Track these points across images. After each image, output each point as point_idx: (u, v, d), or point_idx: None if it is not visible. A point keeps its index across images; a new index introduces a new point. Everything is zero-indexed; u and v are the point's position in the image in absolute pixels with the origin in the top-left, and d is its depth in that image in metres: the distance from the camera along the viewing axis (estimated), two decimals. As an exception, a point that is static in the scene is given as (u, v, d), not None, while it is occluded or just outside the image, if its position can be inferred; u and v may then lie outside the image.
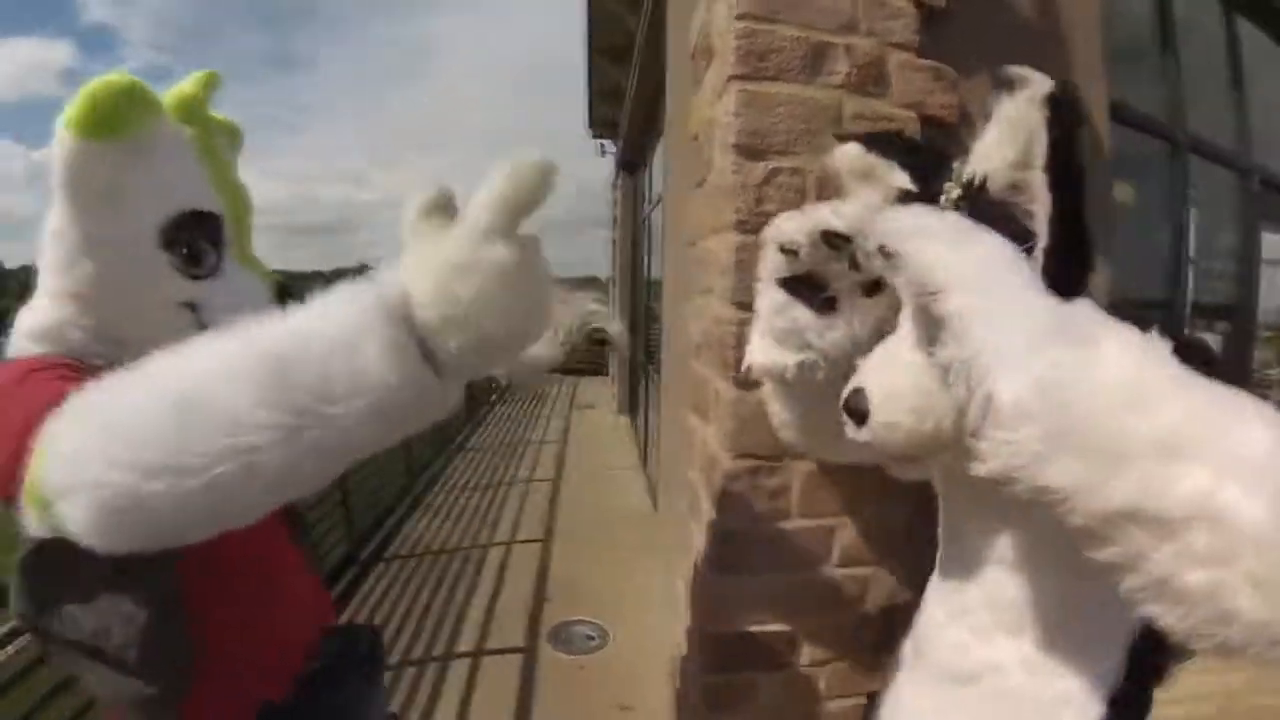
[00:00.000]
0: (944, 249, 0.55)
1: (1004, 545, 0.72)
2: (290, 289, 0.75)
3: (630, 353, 6.01)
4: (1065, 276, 0.60)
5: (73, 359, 0.61)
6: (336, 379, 0.44)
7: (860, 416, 0.71)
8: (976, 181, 0.66)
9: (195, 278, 0.67)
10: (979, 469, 0.50)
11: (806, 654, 1.21)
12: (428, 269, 0.46)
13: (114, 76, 0.59)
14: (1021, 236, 0.61)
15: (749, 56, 1.05)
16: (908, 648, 0.86)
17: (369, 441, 0.48)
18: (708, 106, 1.26)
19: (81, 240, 0.62)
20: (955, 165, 0.70)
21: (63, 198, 0.61)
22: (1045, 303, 0.52)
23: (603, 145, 7.03)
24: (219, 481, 0.42)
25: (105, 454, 0.43)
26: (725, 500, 1.14)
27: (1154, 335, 0.54)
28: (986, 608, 0.73)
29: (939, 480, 0.85)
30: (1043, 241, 0.61)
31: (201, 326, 0.65)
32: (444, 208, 0.52)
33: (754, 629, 1.19)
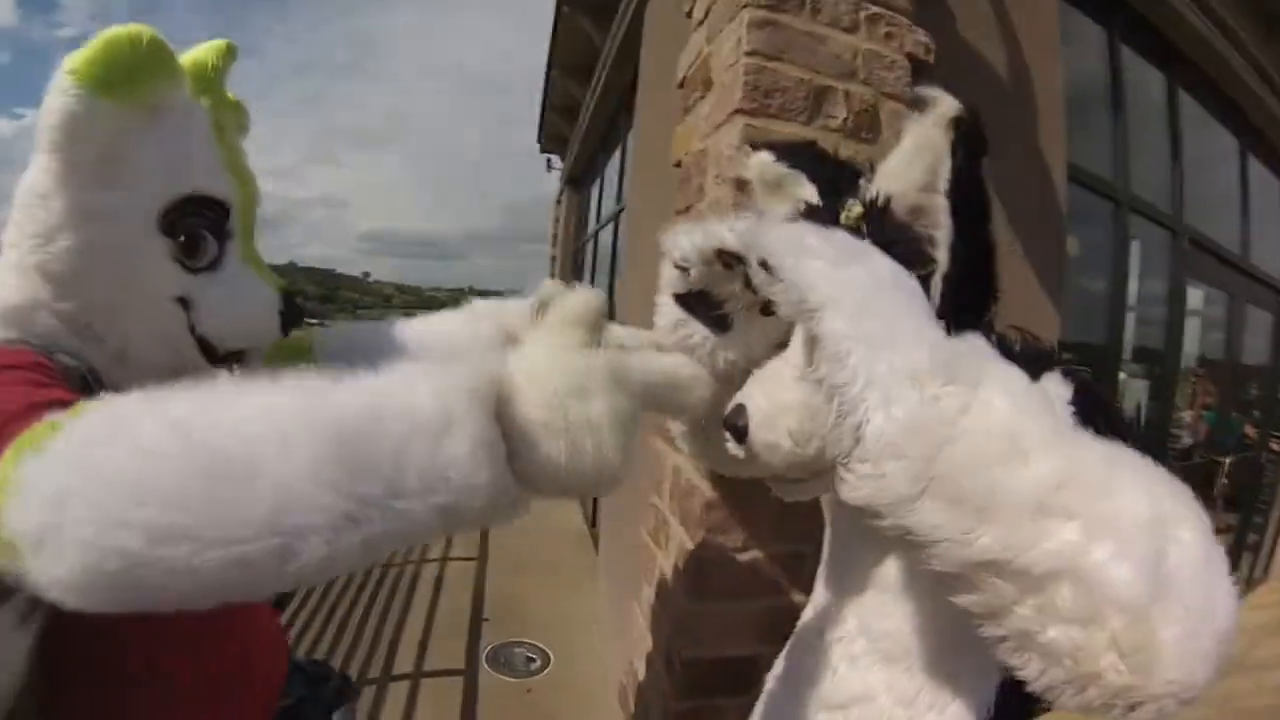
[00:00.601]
0: (825, 267, 0.52)
1: (885, 573, 0.70)
2: (295, 296, 0.69)
3: None
4: (964, 305, 0.60)
5: (40, 351, 0.53)
6: (412, 469, 0.39)
7: (740, 434, 0.67)
8: (880, 201, 0.64)
9: (192, 270, 0.60)
10: (843, 494, 0.48)
11: (773, 682, 1.26)
12: (549, 374, 0.44)
13: (135, 27, 0.52)
14: (921, 261, 0.60)
15: (755, 93, 1.11)
16: (780, 667, 0.84)
17: (419, 539, 0.42)
18: (701, 137, 1.31)
19: (69, 209, 0.54)
20: (861, 183, 0.68)
21: (54, 157, 0.53)
22: (930, 334, 0.50)
23: (550, 160, 7.02)
24: (247, 558, 0.36)
25: (108, 507, 0.36)
26: (701, 527, 1.18)
27: (1055, 377, 0.59)
28: (863, 635, 0.71)
29: (825, 503, 0.84)
30: (943, 268, 0.60)
31: (192, 328, 0.60)
32: (588, 323, 0.49)
33: (725, 654, 1.23)
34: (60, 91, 0.50)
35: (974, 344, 0.51)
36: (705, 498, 1.15)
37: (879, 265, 0.55)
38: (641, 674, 1.55)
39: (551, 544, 3.57)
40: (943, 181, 0.59)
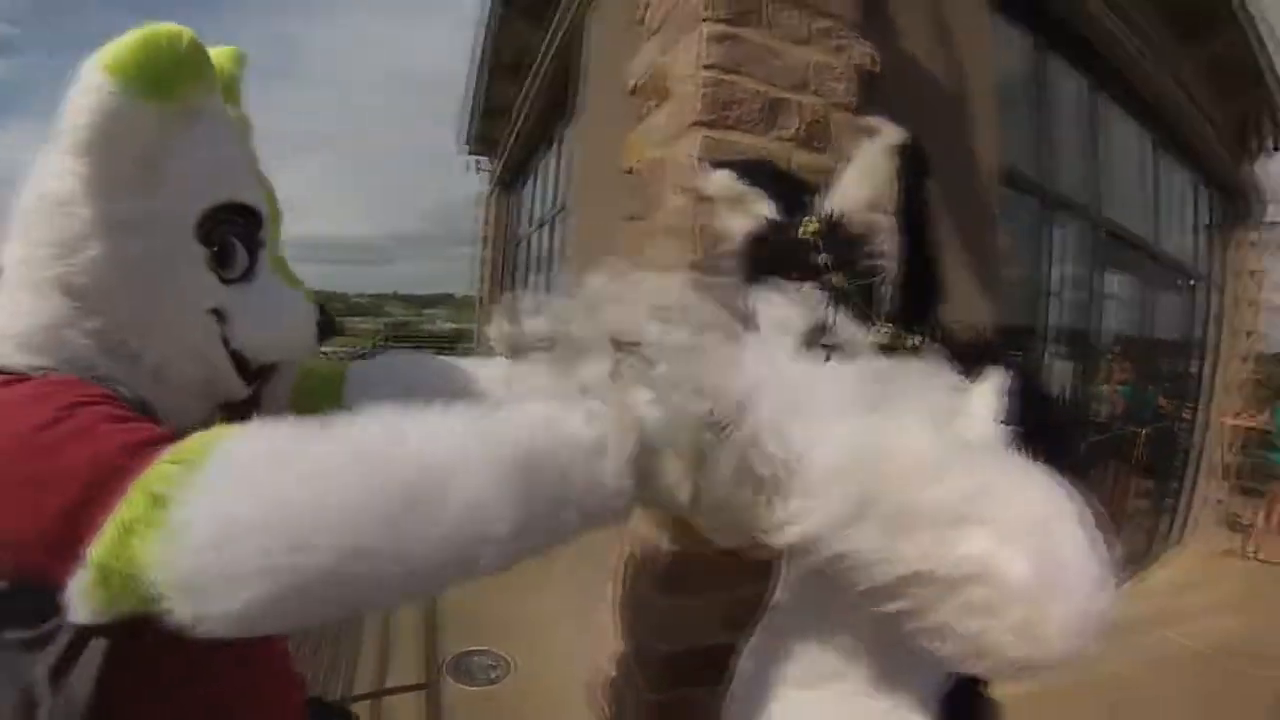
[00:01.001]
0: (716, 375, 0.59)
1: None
2: (327, 305, 0.68)
3: None
4: (914, 307, 0.70)
5: (78, 375, 0.50)
6: (573, 485, 0.47)
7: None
8: (834, 217, 0.71)
9: (226, 281, 0.58)
10: (778, 538, 0.56)
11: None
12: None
13: (174, 26, 0.50)
14: (871, 270, 0.68)
15: (713, 105, 1.17)
16: (750, 647, 0.92)
17: (563, 543, 0.51)
18: (656, 146, 1.36)
19: (99, 218, 0.51)
20: (815, 199, 0.74)
21: (84, 161, 0.50)
22: (849, 371, 0.60)
23: (477, 162, 6.93)
24: (430, 571, 0.42)
25: (289, 534, 0.38)
26: (672, 524, 1.24)
27: (1001, 375, 0.67)
28: (831, 618, 0.77)
29: None
30: (893, 277, 0.68)
31: (225, 341, 0.58)
32: None
33: (696, 646, 1.30)
34: (94, 90, 0.47)
35: (898, 371, 0.61)
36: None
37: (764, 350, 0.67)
38: (612, 672, 1.61)
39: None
40: (889, 201, 0.67)
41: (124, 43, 0.48)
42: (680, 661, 1.31)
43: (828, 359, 0.69)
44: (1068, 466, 0.82)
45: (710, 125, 1.17)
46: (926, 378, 0.65)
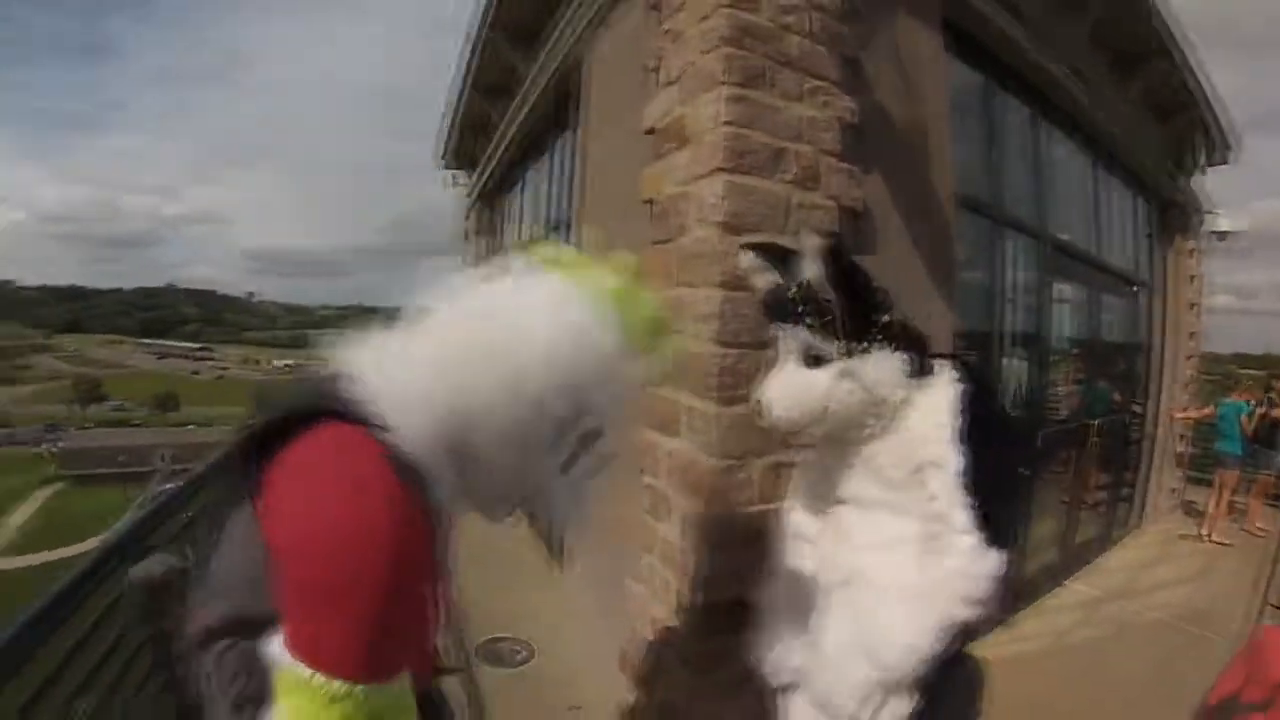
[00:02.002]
0: None
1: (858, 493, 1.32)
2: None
3: None
4: (857, 327, 1.22)
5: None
6: None
7: (761, 410, 1.30)
8: (806, 284, 1.24)
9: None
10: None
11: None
12: None
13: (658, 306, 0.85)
14: (827, 310, 1.22)
15: (732, 154, 1.55)
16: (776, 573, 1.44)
17: None
18: (678, 183, 1.72)
19: (532, 402, 0.75)
20: (799, 270, 1.26)
21: (546, 369, 0.74)
22: None
23: (455, 176, 7.28)
24: None
25: None
26: (703, 494, 1.59)
27: (949, 374, 1.21)
28: (847, 537, 1.31)
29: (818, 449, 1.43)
30: (840, 316, 1.22)
31: (528, 506, 0.86)
32: None
33: (733, 597, 1.63)
34: (590, 337, 0.77)
35: None
36: (705, 466, 1.57)
37: None
38: (649, 635, 1.93)
39: (508, 541, 3.85)
40: (825, 274, 1.22)
41: (646, 310, 0.84)
42: (717, 612, 1.63)
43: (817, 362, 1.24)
44: (1013, 450, 1.44)
45: (730, 171, 1.54)
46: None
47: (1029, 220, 3.18)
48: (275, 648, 0.66)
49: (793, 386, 1.26)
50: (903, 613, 1.20)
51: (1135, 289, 4.73)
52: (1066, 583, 3.76)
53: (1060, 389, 3.99)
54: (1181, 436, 5.22)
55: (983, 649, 2.93)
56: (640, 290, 0.85)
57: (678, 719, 1.73)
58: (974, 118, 2.82)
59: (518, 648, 2.79)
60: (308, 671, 0.64)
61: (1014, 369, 3.17)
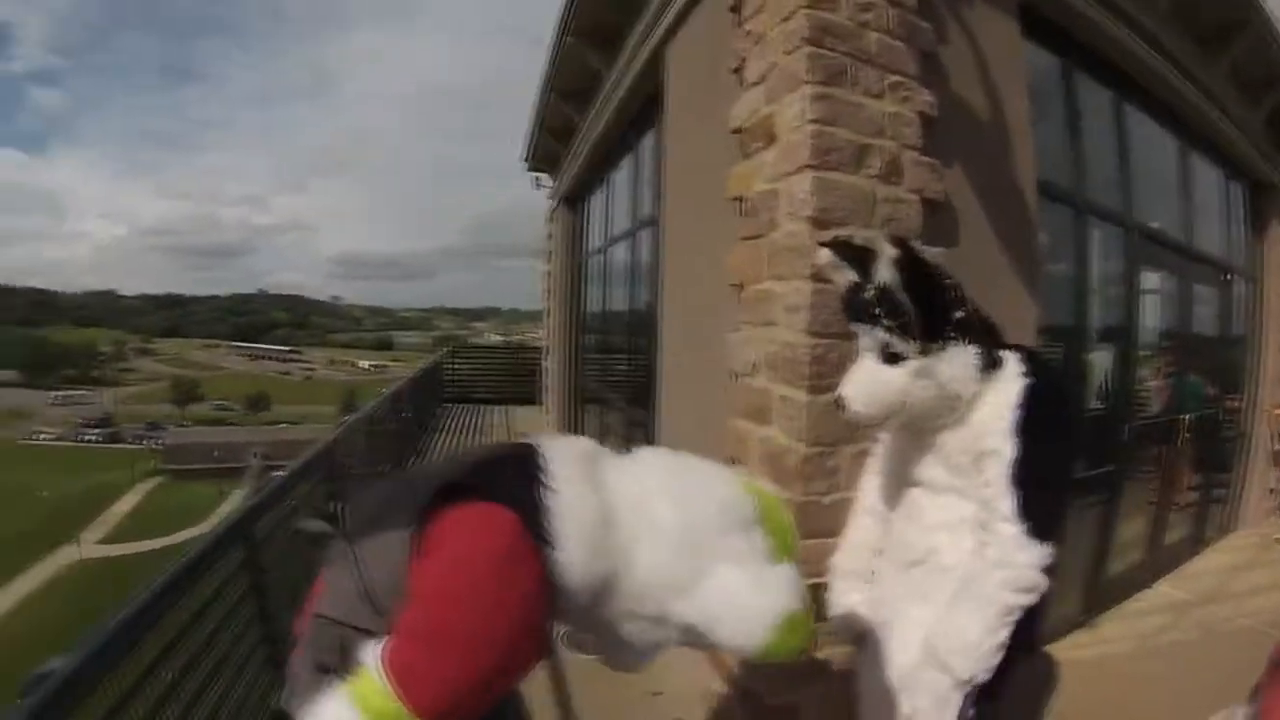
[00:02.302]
0: None
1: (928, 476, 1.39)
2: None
3: (568, 384, 6.57)
4: (932, 327, 1.26)
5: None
6: None
7: (841, 403, 1.36)
8: (882, 285, 1.27)
9: None
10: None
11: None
12: None
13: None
14: (903, 313, 1.25)
15: (818, 152, 1.60)
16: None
17: None
18: (766, 180, 1.78)
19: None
20: (873, 269, 1.29)
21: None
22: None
23: (538, 179, 7.54)
24: None
25: None
26: (798, 478, 1.64)
27: (1021, 367, 1.25)
28: (917, 519, 1.39)
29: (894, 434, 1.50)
30: (914, 313, 1.26)
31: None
32: None
33: (813, 583, 1.68)
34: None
35: None
36: (800, 454, 1.62)
37: None
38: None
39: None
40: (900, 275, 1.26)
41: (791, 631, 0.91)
42: (811, 596, 1.68)
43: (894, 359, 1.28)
44: (1069, 447, 1.52)
45: (816, 168, 1.59)
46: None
47: (1114, 207, 3.06)
48: (372, 652, 0.79)
49: (871, 383, 1.32)
50: (964, 613, 1.26)
51: (1229, 277, 4.45)
52: (1154, 585, 3.58)
53: (1150, 383, 3.81)
54: (1276, 434, 4.87)
55: (1064, 651, 2.86)
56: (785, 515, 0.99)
57: (756, 704, 1.79)
58: (1055, 103, 2.75)
59: (600, 633, 2.88)
60: (386, 685, 0.76)
61: (1100, 363, 3.06)
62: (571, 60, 4.36)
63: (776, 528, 0.96)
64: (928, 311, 1.27)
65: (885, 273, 1.27)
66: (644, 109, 3.98)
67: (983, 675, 1.24)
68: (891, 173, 1.70)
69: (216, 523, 2.44)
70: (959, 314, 1.30)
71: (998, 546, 1.23)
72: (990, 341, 1.33)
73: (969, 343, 1.30)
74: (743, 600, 0.89)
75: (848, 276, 1.35)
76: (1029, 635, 1.29)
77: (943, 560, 1.33)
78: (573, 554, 0.83)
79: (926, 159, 1.78)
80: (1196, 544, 4.15)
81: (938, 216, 1.84)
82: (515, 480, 0.87)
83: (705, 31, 2.58)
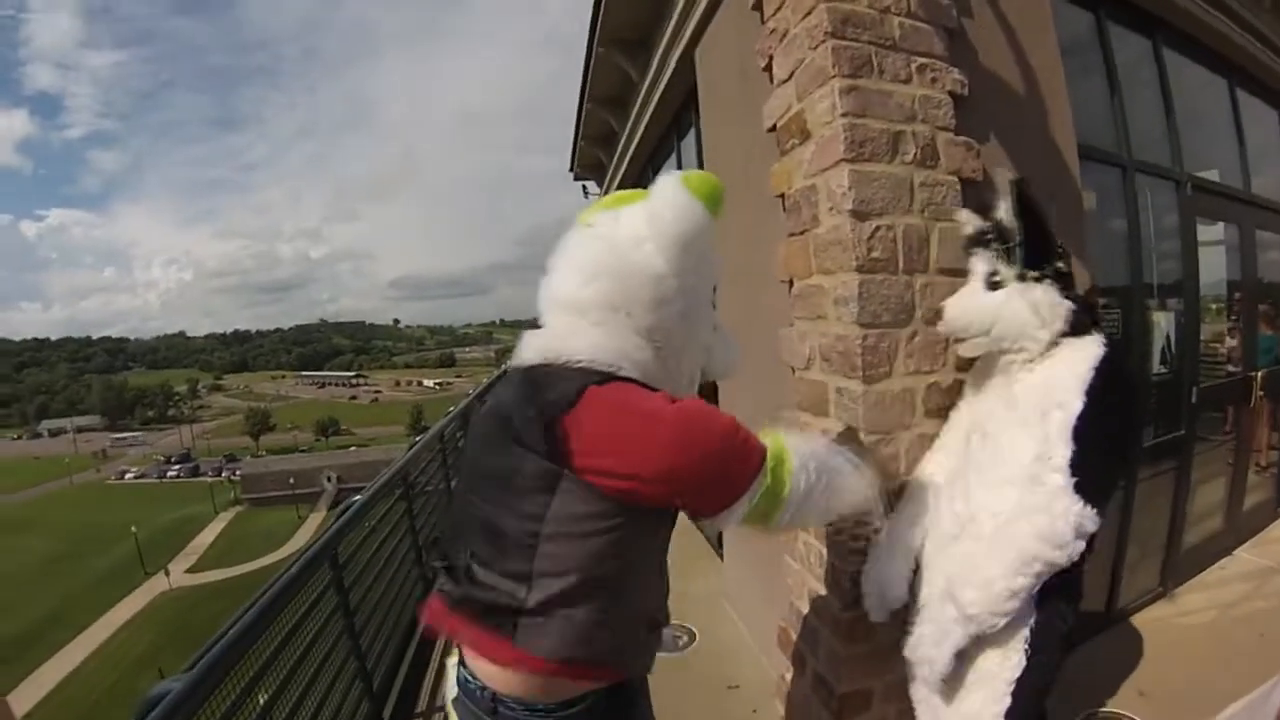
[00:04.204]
0: None
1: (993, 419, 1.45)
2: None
3: None
4: (1036, 259, 1.39)
5: (636, 375, 0.95)
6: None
7: (939, 315, 1.53)
8: (999, 218, 1.45)
9: (713, 328, 1.09)
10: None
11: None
12: None
13: (713, 177, 0.98)
14: (1010, 237, 1.42)
15: (853, 144, 1.58)
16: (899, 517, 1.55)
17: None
18: (806, 176, 1.77)
19: (680, 287, 0.95)
20: (992, 206, 1.49)
21: (678, 251, 0.93)
22: None
23: (585, 187, 7.67)
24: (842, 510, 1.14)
25: (816, 491, 1.01)
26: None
27: (1103, 339, 1.30)
28: (965, 483, 1.43)
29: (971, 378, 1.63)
30: (1020, 239, 1.41)
31: (705, 372, 1.07)
32: None
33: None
34: (690, 208, 0.94)
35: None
36: (855, 442, 1.60)
37: None
38: (805, 609, 1.99)
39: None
40: (1016, 211, 1.42)
41: (699, 178, 0.96)
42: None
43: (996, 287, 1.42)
44: (1132, 424, 1.57)
45: (852, 160, 1.58)
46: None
47: (1162, 161, 2.91)
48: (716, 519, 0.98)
49: (970, 301, 1.46)
50: (986, 552, 1.26)
51: (1295, 221, 4.17)
52: (1234, 553, 3.40)
53: (1220, 340, 3.60)
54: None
55: (1144, 622, 2.75)
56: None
57: (829, 692, 1.78)
58: (1090, 60, 2.63)
59: (679, 634, 2.93)
60: (746, 500, 0.96)
61: (1161, 322, 2.92)
62: (605, 68, 4.40)
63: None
64: (1031, 241, 1.38)
65: (1001, 203, 1.43)
66: (681, 110, 4.01)
67: (989, 616, 1.23)
68: (927, 157, 1.67)
69: (300, 546, 2.56)
70: (1060, 265, 1.40)
71: (1041, 493, 1.23)
72: (1082, 306, 1.39)
73: (1063, 293, 1.37)
74: None
75: (979, 225, 1.51)
76: (1068, 605, 1.29)
77: (980, 529, 1.32)
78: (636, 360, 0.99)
79: (961, 139, 1.74)
80: (1277, 507, 3.91)
81: (978, 196, 1.79)
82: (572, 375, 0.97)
83: (732, 31, 2.58)
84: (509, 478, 0.92)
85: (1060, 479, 1.21)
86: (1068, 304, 1.36)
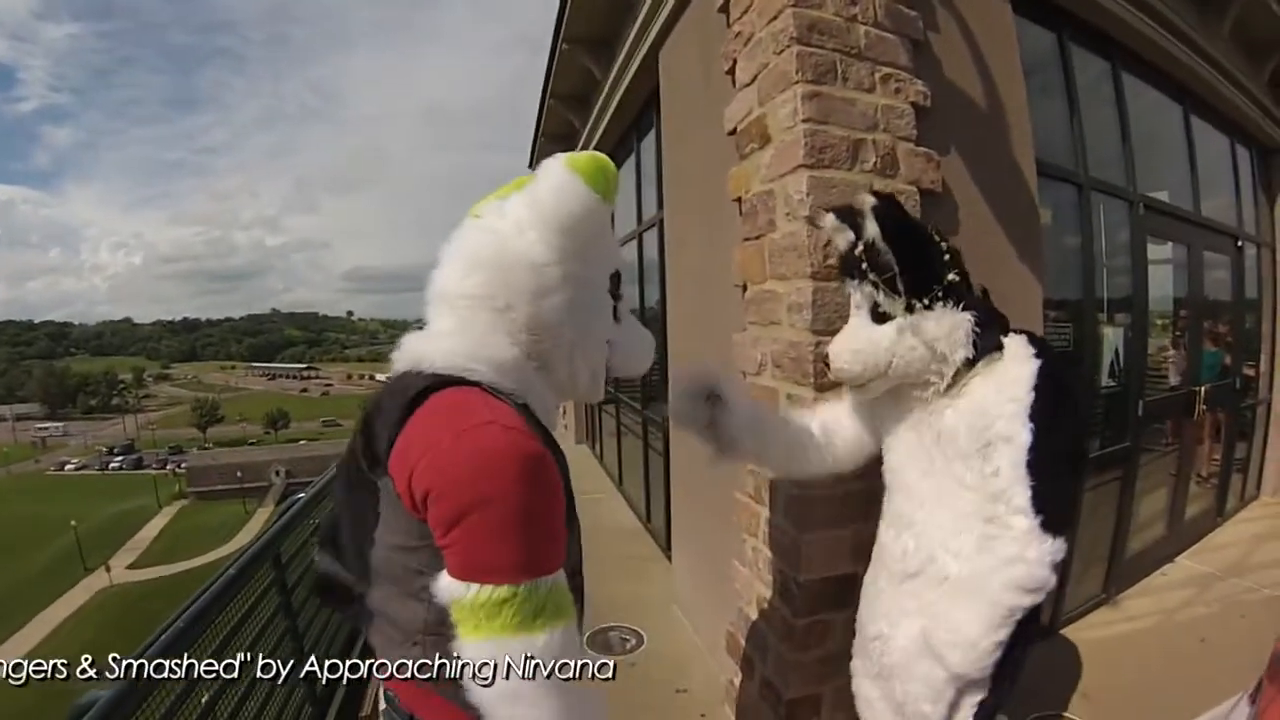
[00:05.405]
0: None
1: (931, 491, 1.33)
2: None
3: None
4: (919, 283, 1.25)
5: (487, 381, 0.80)
6: None
7: (827, 362, 1.38)
8: (870, 241, 1.28)
9: (617, 320, 0.96)
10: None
11: (869, 591, 1.72)
12: None
13: (602, 155, 0.87)
14: (888, 267, 1.26)
15: (813, 150, 1.59)
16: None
17: None
18: (763, 181, 1.78)
19: (564, 276, 0.84)
20: (862, 228, 1.30)
21: (564, 236, 0.83)
22: None
23: None
24: None
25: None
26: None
27: (1031, 349, 1.22)
28: (914, 528, 1.34)
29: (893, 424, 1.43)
30: (899, 267, 1.26)
31: (609, 365, 0.94)
32: None
33: (831, 574, 1.69)
34: (574, 190, 0.83)
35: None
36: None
37: None
38: (753, 614, 2.01)
39: (612, 541, 4.02)
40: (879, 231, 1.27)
41: (586, 158, 0.85)
42: (817, 588, 1.70)
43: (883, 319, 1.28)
44: (1082, 432, 1.51)
45: (811, 166, 1.59)
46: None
47: (1117, 180, 3.03)
48: (443, 584, 0.75)
49: (857, 340, 1.30)
50: (965, 608, 1.20)
51: (1240, 244, 4.38)
52: (1176, 559, 3.55)
53: (1164, 355, 3.76)
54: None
55: (1087, 629, 2.84)
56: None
57: (778, 698, 1.80)
58: (1051, 79, 2.72)
59: (627, 636, 2.92)
60: (470, 591, 0.72)
61: (1110, 336, 3.03)
62: (569, 65, 4.38)
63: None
64: (913, 266, 1.25)
65: (869, 226, 1.27)
66: (643, 112, 4.01)
67: (978, 673, 1.19)
68: (887, 166, 1.70)
69: (244, 544, 2.48)
70: (952, 276, 1.27)
71: (1010, 542, 1.16)
72: (991, 317, 1.28)
73: (963, 308, 1.25)
74: None
75: (848, 239, 1.33)
76: (1032, 627, 1.24)
77: (943, 570, 1.28)
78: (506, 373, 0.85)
79: (922, 149, 1.78)
80: (1218, 515, 4.10)
81: (936, 206, 1.83)
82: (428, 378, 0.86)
83: (697, 34, 2.59)
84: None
85: (1025, 521, 1.15)
86: (967, 322, 1.25)
